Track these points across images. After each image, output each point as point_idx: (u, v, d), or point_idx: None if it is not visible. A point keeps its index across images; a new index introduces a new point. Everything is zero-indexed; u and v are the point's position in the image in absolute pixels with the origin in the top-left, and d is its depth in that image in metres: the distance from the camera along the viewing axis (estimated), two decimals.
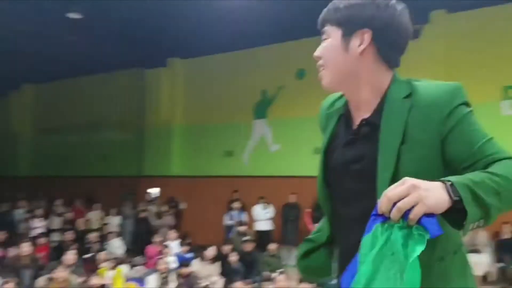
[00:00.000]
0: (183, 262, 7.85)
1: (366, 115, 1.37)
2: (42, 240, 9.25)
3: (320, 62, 1.42)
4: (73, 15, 9.72)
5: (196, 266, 8.13)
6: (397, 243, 1.08)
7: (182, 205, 11.82)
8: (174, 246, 9.09)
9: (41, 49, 11.65)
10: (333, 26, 1.38)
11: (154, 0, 8.86)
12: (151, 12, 9.49)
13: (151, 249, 9.03)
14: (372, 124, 1.34)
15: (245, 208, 10.21)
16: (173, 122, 12.89)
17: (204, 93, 12.50)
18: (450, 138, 1.25)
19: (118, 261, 8.18)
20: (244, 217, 9.94)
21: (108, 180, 13.28)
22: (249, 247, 8.79)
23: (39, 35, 10.83)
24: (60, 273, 5.76)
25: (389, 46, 1.36)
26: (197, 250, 8.83)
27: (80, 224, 10.91)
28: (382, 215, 1.10)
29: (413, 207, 1.05)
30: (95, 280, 6.40)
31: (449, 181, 1.11)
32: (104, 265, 7.79)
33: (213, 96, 12.31)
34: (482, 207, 1.11)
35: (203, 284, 7.40)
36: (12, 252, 8.14)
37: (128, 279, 8.17)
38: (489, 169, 1.18)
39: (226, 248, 8.60)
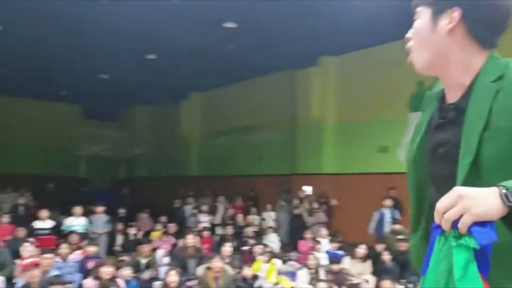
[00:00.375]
0: (333, 259, 7.86)
1: (456, 98, 1.32)
2: (206, 234, 10.11)
3: (410, 43, 1.39)
4: (228, 25, 10.43)
5: (346, 263, 8.08)
6: (450, 254, 1.06)
7: (333, 202, 11.84)
8: (325, 243, 9.15)
9: (203, 60, 12.76)
10: (424, 6, 1.35)
11: (302, 0, 9.06)
12: (301, 13, 9.70)
13: (303, 245, 9.23)
14: (459, 108, 1.29)
15: (399, 205, 9.79)
16: (324, 120, 12.96)
17: (357, 88, 12.32)
18: None
19: (273, 255, 8.53)
20: (397, 214, 9.53)
21: (264, 179, 13.95)
22: (404, 246, 8.41)
23: (201, 47, 11.86)
24: (217, 263, 6.24)
25: (481, 25, 1.28)
26: (348, 248, 8.76)
27: (240, 219, 11.62)
28: (440, 228, 1.09)
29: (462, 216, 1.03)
30: (248, 271, 6.78)
31: (505, 186, 1.03)
32: (259, 258, 8.20)
33: (366, 91, 12.08)
34: None
35: (355, 281, 7.34)
36: (180, 243, 9.05)
37: (281, 273, 8.48)
38: None
39: (379, 247, 8.36)
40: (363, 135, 12.01)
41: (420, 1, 1.37)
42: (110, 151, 18.51)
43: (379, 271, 7.86)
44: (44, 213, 9.76)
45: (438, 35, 1.31)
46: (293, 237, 10.86)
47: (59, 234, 9.53)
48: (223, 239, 9.99)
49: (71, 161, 17.44)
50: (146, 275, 7.17)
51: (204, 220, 11.85)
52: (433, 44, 1.32)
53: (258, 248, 8.51)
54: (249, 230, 10.33)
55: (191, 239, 8.32)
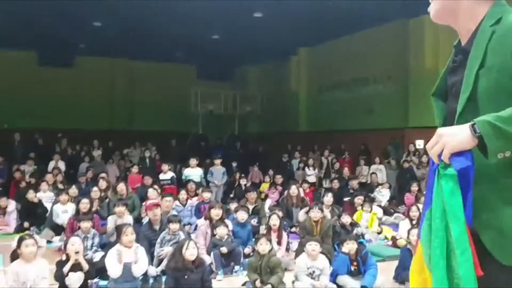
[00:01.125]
0: None
1: (465, 42, 1.52)
2: (311, 185, 10.52)
3: None
4: None
5: None
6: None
7: None
8: None
9: (313, 13, 12.68)
10: None
11: None
12: None
13: (408, 198, 9.22)
14: (466, 52, 1.48)
15: None
16: (438, 71, 12.38)
17: None
18: None
19: (376, 206, 8.70)
20: None
21: (375, 133, 13.82)
22: None
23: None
24: (316, 211, 6.60)
25: None
26: None
27: (346, 172, 11.83)
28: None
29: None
30: (346, 219, 7.06)
31: (474, 121, 1.28)
32: (360, 208, 8.42)
33: None
34: (507, 139, 1.24)
35: None
36: (286, 193, 9.56)
37: (384, 224, 8.63)
38: None
39: None
40: None
41: None
42: (224, 109, 19.51)
43: None
44: (165, 166, 10.98)
45: None
46: (401, 191, 10.83)
47: (180, 183, 10.63)
48: (327, 190, 10.33)
49: (189, 119, 18.75)
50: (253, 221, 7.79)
51: (311, 173, 12.25)
52: None
53: (359, 199, 8.71)
54: (355, 183, 10.51)
55: (295, 189, 8.77)
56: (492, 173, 1.37)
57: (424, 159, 11.35)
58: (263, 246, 5.34)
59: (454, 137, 1.30)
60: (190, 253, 4.78)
